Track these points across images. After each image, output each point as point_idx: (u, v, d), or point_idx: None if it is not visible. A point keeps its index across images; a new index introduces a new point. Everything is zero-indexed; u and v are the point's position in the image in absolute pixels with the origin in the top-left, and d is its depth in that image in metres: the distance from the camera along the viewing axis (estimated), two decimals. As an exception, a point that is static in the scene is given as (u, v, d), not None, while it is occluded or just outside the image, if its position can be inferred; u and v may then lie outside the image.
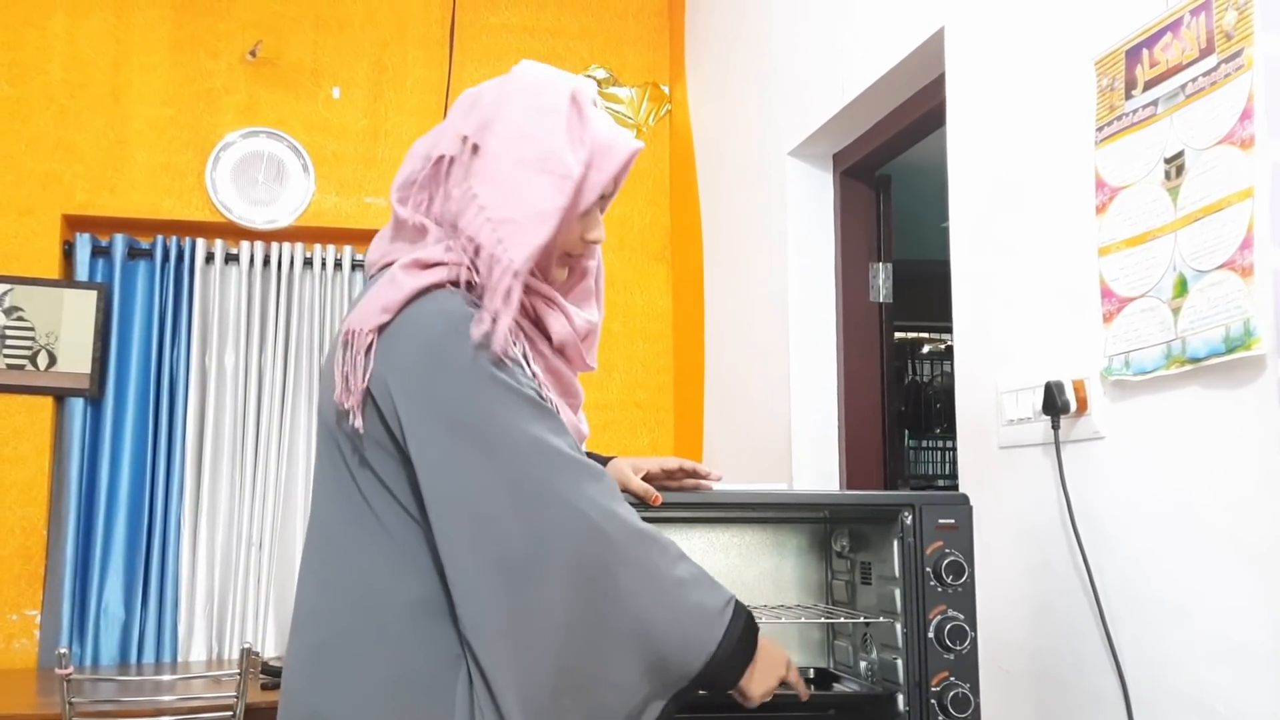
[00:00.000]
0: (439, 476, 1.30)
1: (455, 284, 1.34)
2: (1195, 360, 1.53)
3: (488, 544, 1.28)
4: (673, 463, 1.67)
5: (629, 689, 1.32)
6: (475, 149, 1.38)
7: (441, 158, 1.40)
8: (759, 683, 1.41)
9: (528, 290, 1.39)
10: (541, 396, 1.35)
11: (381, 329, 1.34)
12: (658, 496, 1.62)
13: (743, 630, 1.38)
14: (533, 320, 1.42)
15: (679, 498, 1.67)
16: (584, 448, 1.54)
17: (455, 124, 1.42)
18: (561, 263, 1.45)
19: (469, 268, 1.34)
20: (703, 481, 1.71)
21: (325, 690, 1.34)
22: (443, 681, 1.30)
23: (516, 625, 1.27)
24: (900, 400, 4.40)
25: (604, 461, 1.69)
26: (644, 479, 1.64)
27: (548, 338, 1.44)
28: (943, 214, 2.23)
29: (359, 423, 1.34)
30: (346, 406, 1.34)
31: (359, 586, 1.34)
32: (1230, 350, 1.46)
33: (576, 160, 1.37)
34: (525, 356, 1.37)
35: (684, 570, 1.36)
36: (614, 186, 1.46)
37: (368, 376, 1.33)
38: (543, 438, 1.31)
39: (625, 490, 1.64)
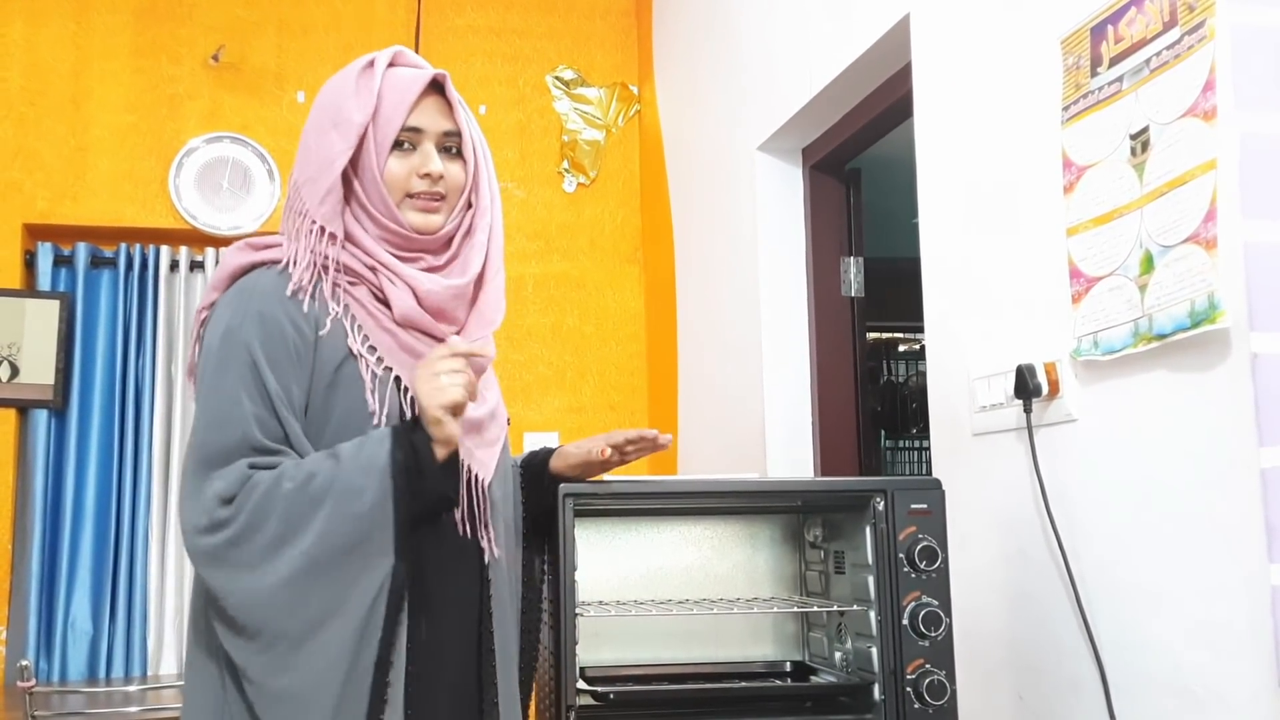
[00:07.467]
0: None
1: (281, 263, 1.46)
2: (1161, 336, 1.51)
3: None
4: (618, 436, 1.65)
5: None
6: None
7: None
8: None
9: (374, 268, 1.46)
10: (342, 370, 1.43)
11: (211, 306, 1.48)
12: (605, 449, 1.62)
13: None
14: (379, 297, 1.47)
15: (648, 487, 1.65)
16: (499, 425, 1.55)
17: None
18: (414, 207, 1.49)
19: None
20: (657, 437, 1.68)
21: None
22: None
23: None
24: (876, 400, 4.37)
25: (548, 454, 1.66)
26: None
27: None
28: (915, 211, 2.21)
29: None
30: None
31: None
32: (1195, 325, 1.44)
33: (360, 105, 1.46)
34: (355, 325, 1.44)
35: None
36: (433, 122, 1.49)
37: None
38: (219, 408, 1.40)
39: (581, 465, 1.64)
